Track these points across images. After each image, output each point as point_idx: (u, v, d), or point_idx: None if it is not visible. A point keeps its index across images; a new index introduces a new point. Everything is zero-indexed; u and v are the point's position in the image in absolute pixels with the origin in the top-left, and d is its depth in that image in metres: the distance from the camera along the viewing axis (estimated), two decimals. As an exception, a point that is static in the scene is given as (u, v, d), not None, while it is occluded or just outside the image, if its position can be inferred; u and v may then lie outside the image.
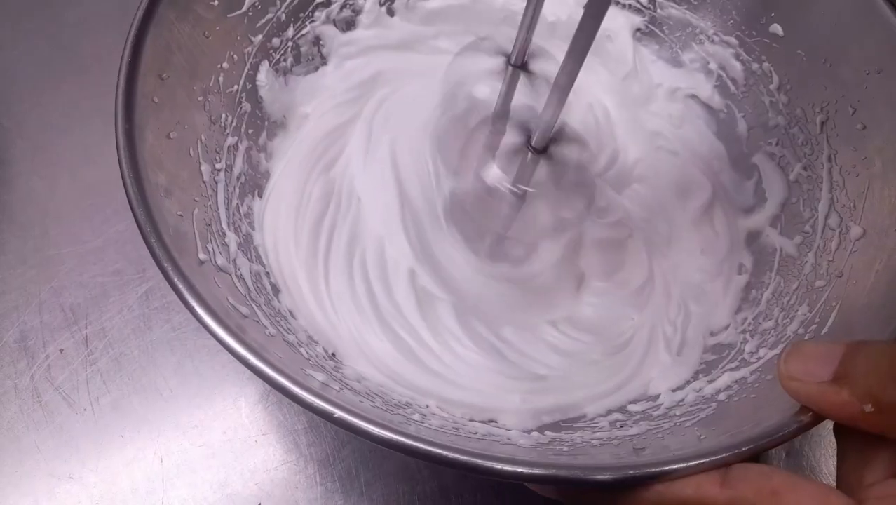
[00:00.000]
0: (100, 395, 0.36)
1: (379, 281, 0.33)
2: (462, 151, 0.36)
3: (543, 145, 0.30)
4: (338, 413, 0.21)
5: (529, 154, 0.31)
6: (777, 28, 0.36)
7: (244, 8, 0.35)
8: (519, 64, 0.34)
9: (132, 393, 0.36)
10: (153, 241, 0.24)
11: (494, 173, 0.33)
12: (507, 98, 0.35)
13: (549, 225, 0.35)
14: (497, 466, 0.21)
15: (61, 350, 0.36)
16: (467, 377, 0.31)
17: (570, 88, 0.27)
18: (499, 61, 0.35)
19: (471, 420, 0.29)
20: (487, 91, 0.36)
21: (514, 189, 0.32)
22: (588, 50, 0.25)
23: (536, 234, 0.35)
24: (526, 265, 0.34)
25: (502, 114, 0.34)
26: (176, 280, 0.23)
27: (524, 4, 0.41)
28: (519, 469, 0.20)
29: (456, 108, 0.36)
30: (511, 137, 0.32)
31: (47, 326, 0.37)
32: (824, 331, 0.28)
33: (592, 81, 0.41)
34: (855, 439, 0.22)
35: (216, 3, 0.33)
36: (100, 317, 0.37)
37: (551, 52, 0.36)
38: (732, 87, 0.39)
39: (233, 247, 0.30)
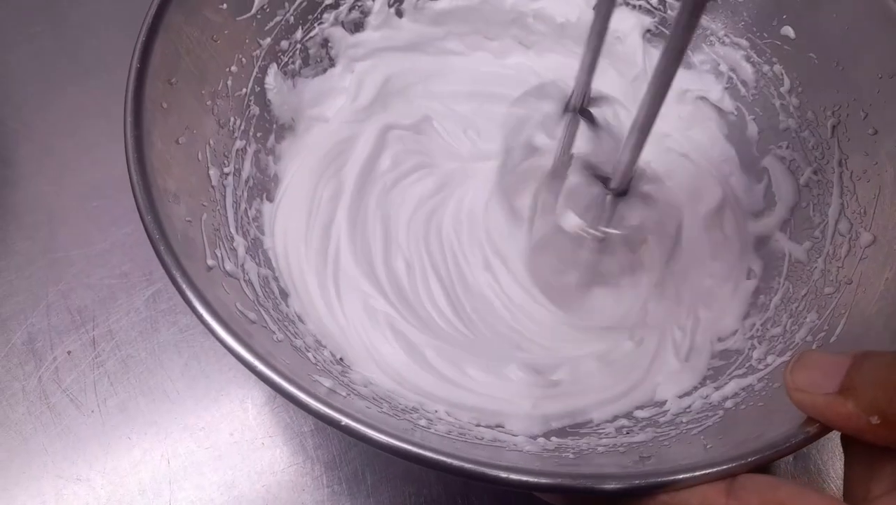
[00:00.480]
0: (107, 396, 0.36)
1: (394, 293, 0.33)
2: (531, 201, 0.35)
3: (623, 188, 0.29)
4: (345, 421, 0.21)
5: (608, 197, 0.30)
6: (788, 30, 0.36)
7: (253, 11, 0.35)
8: (578, 109, 0.33)
9: (139, 395, 0.36)
10: (162, 248, 0.24)
11: (572, 220, 0.32)
12: (567, 145, 0.33)
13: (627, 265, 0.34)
14: (503, 474, 0.21)
15: (69, 352, 0.37)
16: (482, 383, 0.31)
17: (650, 127, 0.26)
18: (557, 107, 0.33)
19: (477, 425, 0.29)
20: (546, 140, 0.35)
21: (596, 233, 0.31)
22: (669, 87, 0.23)
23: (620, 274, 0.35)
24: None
25: (565, 161, 0.33)
26: (184, 287, 0.24)
27: (533, 5, 0.42)
28: (525, 478, 0.21)
29: (517, 159, 0.35)
30: (578, 182, 0.31)
31: (55, 329, 0.37)
32: (833, 339, 0.28)
33: (601, 83, 0.41)
34: (862, 451, 0.22)
35: (225, 6, 0.33)
36: (107, 319, 0.38)
37: (612, 95, 0.35)
38: (743, 90, 0.39)
39: (241, 251, 0.31)
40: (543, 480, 0.21)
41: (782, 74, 0.37)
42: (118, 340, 0.37)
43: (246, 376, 0.37)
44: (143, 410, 0.36)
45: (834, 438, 0.36)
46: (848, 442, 0.23)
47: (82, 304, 0.38)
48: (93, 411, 0.35)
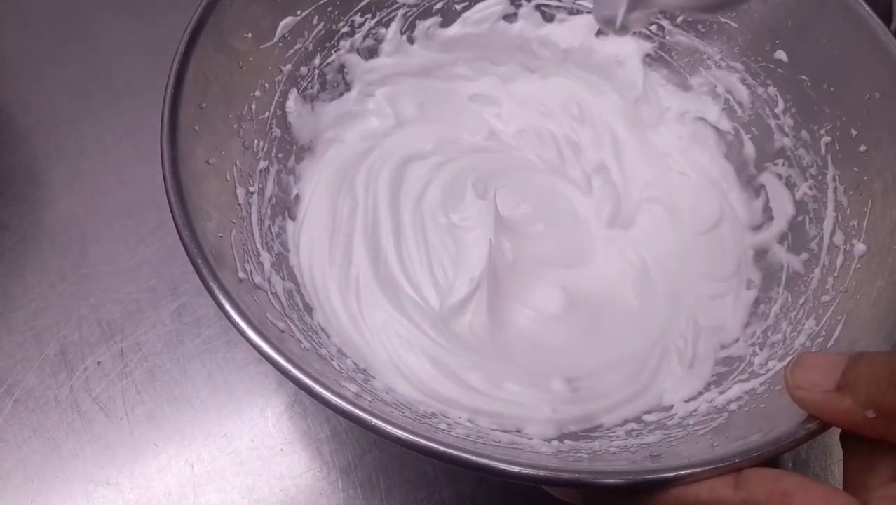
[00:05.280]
0: (135, 405, 0.37)
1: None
2: None
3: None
4: (374, 421, 0.23)
5: None
6: (781, 54, 0.37)
7: (275, 39, 0.36)
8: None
9: (165, 403, 0.37)
10: (199, 261, 0.26)
11: None
12: None
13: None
14: (524, 470, 0.22)
15: (99, 363, 0.38)
16: (508, 390, 0.32)
17: None
18: None
19: (494, 430, 0.31)
20: None
21: None
22: None
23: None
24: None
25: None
26: (221, 298, 0.25)
27: (538, 32, 0.43)
28: (546, 473, 0.22)
29: None
30: None
31: (86, 341, 0.38)
32: (830, 343, 0.30)
33: (604, 106, 0.43)
34: (860, 446, 0.23)
35: (249, 35, 0.35)
36: (135, 331, 0.39)
37: None
38: (739, 111, 0.40)
39: (267, 265, 0.32)
40: (564, 475, 0.22)
41: (776, 96, 0.38)
42: (145, 351, 0.38)
43: (266, 386, 0.38)
44: (168, 417, 0.37)
45: (832, 445, 0.38)
46: (846, 438, 0.24)
47: (111, 317, 0.39)
48: (121, 419, 0.37)
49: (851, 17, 0.34)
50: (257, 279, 0.30)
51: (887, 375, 0.22)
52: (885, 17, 0.34)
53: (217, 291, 0.25)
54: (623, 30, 0.25)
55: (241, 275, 0.29)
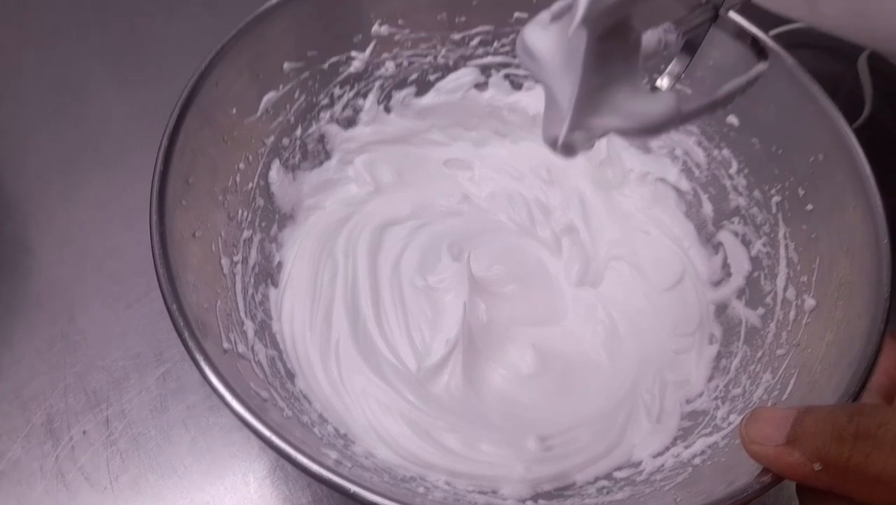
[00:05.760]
0: (119, 473, 0.37)
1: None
2: None
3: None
4: (353, 488, 0.24)
5: None
6: (733, 119, 0.40)
7: (258, 113, 0.38)
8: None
9: (149, 471, 0.37)
10: (186, 334, 0.27)
11: None
12: None
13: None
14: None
15: (84, 432, 0.38)
16: (483, 451, 0.33)
17: None
18: None
19: (471, 491, 0.31)
20: None
21: None
22: None
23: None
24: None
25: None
26: (207, 370, 0.26)
27: (508, 99, 0.46)
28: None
29: None
30: None
31: (72, 409, 0.39)
32: (785, 396, 0.31)
33: (572, 168, 0.45)
34: (812, 497, 0.25)
35: (234, 111, 0.37)
36: (120, 398, 0.39)
37: None
38: (697, 171, 0.43)
39: (250, 334, 0.33)
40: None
41: (731, 158, 0.40)
42: (130, 418, 0.39)
43: (248, 451, 0.39)
44: (152, 485, 0.37)
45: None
46: (801, 490, 0.26)
47: (97, 385, 0.40)
48: (105, 488, 0.37)
49: (797, 85, 0.36)
50: (241, 348, 0.31)
51: (830, 429, 0.23)
52: (848, 107, 0.36)
53: (203, 364, 0.26)
54: (567, 150, 0.27)
55: (226, 345, 0.30)
